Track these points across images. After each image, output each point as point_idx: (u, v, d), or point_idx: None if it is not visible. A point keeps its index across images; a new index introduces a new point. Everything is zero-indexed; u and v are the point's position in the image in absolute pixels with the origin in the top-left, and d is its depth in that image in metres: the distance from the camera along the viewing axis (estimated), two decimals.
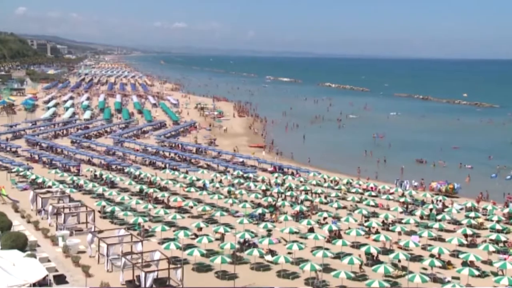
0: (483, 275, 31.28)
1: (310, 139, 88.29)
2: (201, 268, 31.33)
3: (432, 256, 33.07)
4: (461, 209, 46.44)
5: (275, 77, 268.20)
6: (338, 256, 32.66)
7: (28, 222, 38.13)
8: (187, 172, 56.86)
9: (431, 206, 46.08)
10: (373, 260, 32.72)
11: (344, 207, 46.13)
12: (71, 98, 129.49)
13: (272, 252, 33.57)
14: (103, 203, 41.81)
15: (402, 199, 48.72)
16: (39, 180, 49.14)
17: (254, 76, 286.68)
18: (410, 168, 65.52)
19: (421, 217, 43.33)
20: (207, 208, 42.25)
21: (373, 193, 51.30)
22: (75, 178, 51.01)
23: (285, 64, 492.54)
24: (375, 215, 43.88)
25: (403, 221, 41.09)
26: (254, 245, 34.04)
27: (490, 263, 33.19)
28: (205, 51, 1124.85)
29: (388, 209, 45.71)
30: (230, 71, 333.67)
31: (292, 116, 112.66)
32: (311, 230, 37.96)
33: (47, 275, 26.44)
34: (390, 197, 49.08)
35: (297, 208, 43.17)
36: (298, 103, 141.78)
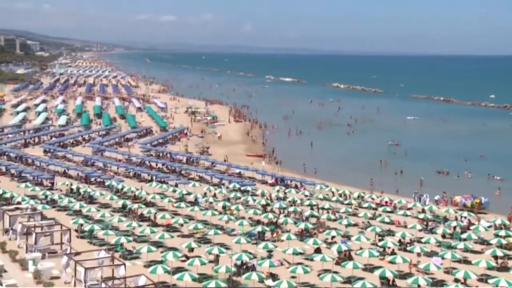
0: None
1: (316, 147, 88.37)
2: None
3: (456, 281, 32.94)
4: (490, 226, 46.32)
5: (276, 77, 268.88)
6: (349, 280, 32.52)
7: None
8: (176, 185, 56.75)
9: (454, 223, 45.97)
10: (388, 285, 32.58)
11: (355, 225, 46.03)
12: (44, 101, 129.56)
13: (273, 276, 33.43)
14: (81, 221, 41.64)
15: (421, 215, 48.66)
16: (7, 195, 48.97)
17: (252, 75, 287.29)
18: (430, 180, 65.45)
19: (444, 236, 43.22)
20: (200, 226, 42.10)
21: (388, 209, 51.23)
22: (48, 192, 50.84)
23: (287, 62, 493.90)
24: (390, 233, 43.77)
25: (422, 240, 40.99)
26: (253, 268, 33.91)
27: None
28: (197, 47, 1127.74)
29: (406, 226, 45.59)
30: (225, 70, 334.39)
31: (295, 120, 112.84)
32: (317, 250, 37.84)
33: None
34: (408, 213, 48.96)
35: (302, 225, 43.07)
36: (302, 106, 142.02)
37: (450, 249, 38.38)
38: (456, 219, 47.94)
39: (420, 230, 44.17)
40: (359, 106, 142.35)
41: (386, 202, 53.62)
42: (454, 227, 45.10)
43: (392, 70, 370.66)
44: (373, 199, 54.73)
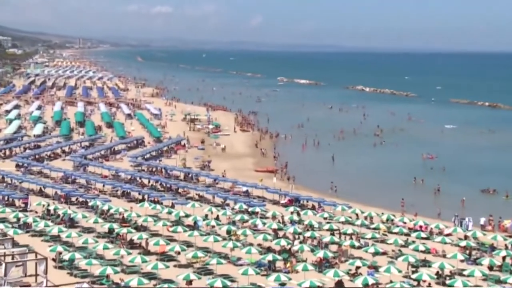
0: None
1: (337, 161, 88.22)
2: None
3: None
4: None
5: (289, 79, 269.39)
6: None
7: None
8: (172, 206, 56.77)
9: (504, 252, 45.62)
10: None
11: (384, 253, 45.91)
12: (17, 107, 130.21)
13: None
14: (59, 248, 41.65)
15: (463, 243, 48.32)
16: None
17: (262, 77, 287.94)
18: (474, 201, 65.21)
19: (490, 268, 42.91)
20: (200, 254, 42.05)
21: (423, 234, 50.99)
22: (21, 215, 50.93)
23: (302, 61, 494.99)
24: (426, 264, 43.57)
25: (465, 272, 40.75)
26: None
27: None
28: (197, 44, 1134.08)
29: (445, 256, 45.38)
30: (230, 70, 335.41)
31: (312, 130, 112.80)
32: (339, 284, 37.68)
33: None
34: (447, 239, 48.70)
35: (320, 254, 42.99)
36: (320, 113, 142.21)
37: (499, 284, 38.06)
38: (506, 247, 47.59)
39: (462, 261, 43.86)
40: (388, 113, 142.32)
41: (421, 226, 53.40)
42: (503, 258, 44.76)
43: (427, 70, 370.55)
44: (405, 223, 54.49)
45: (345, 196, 65.86)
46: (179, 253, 43.28)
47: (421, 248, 45.97)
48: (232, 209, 56.89)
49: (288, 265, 42.01)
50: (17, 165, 75.41)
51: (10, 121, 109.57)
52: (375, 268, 41.76)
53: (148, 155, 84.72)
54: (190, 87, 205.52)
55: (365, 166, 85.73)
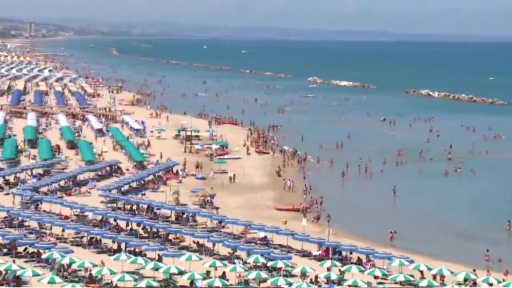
0: None
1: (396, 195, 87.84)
2: None
3: None
4: None
5: (325, 80, 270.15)
6: None
7: None
8: (160, 259, 56.64)
9: None
10: None
11: None
12: None
13: None
14: None
15: None
16: None
17: (286, 77, 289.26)
18: None
19: None
20: None
21: None
22: None
23: (343, 55, 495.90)
24: None
25: None
26: None
27: None
28: (194, 31, 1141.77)
29: None
30: (241, 68, 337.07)
31: (356, 151, 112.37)
32: None
33: None
34: None
35: None
36: (369, 128, 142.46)
37: None
38: None
39: None
40: (465, 128, 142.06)
41: None
42: None
43: None
44: (491, 284, 54.06)
45: (404, 246, 65.69)
46: None
47: None
48: (245, 263, 56.80)
49: None
50: None
51: None
52: None
53: (126, 187, 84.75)
54: (185, 92, 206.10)
55: (432, 203, 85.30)
